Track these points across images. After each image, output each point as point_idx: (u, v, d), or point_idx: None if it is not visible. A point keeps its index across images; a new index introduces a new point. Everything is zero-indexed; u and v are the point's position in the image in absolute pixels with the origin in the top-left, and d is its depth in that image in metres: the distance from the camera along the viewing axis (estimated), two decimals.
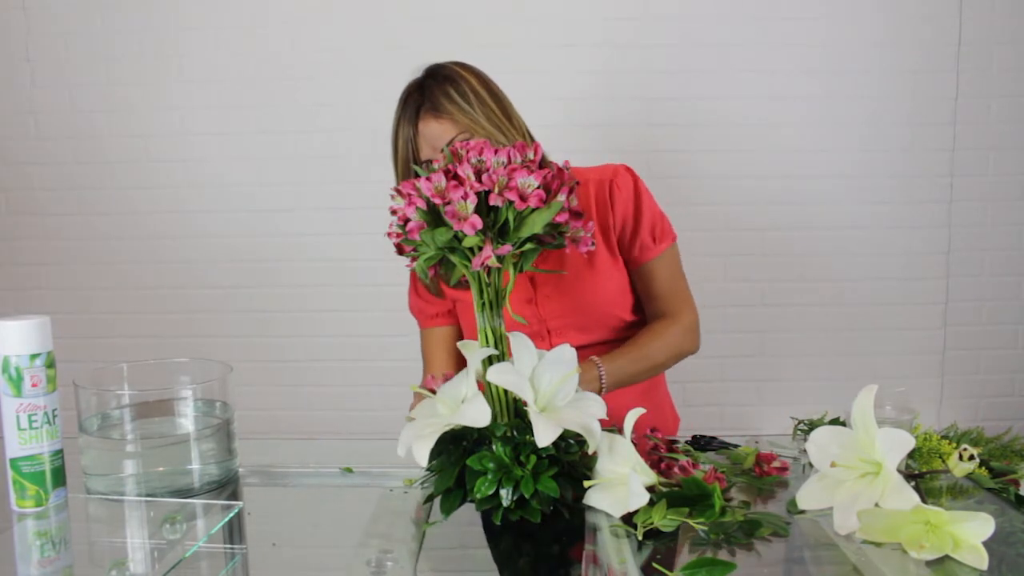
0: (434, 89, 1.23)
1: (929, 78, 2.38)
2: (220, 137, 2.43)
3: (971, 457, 0.95)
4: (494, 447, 0.91)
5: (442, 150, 1.19)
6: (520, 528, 0.90)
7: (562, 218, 0.94)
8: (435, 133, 1.22)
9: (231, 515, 0.92)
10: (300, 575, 0.85)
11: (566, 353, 0.96)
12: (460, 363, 1.45)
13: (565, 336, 1.31)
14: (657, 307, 1.35)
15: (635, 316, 1.36)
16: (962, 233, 2.44)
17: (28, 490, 0.93)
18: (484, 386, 0.95)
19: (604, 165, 1.36)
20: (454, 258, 0.94)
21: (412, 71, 1.30)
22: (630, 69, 2.37)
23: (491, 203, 0.90)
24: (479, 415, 0.89)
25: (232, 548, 0.88)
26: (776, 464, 1.05)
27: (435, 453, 0.93)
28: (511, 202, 0.90)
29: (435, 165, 0.94)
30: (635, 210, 1.32)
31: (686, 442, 1.16)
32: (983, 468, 1.02)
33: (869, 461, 0.86)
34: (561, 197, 0.93)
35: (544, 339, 1.32)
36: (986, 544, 0.77)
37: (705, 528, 0.86)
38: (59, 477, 0.95)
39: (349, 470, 1.10)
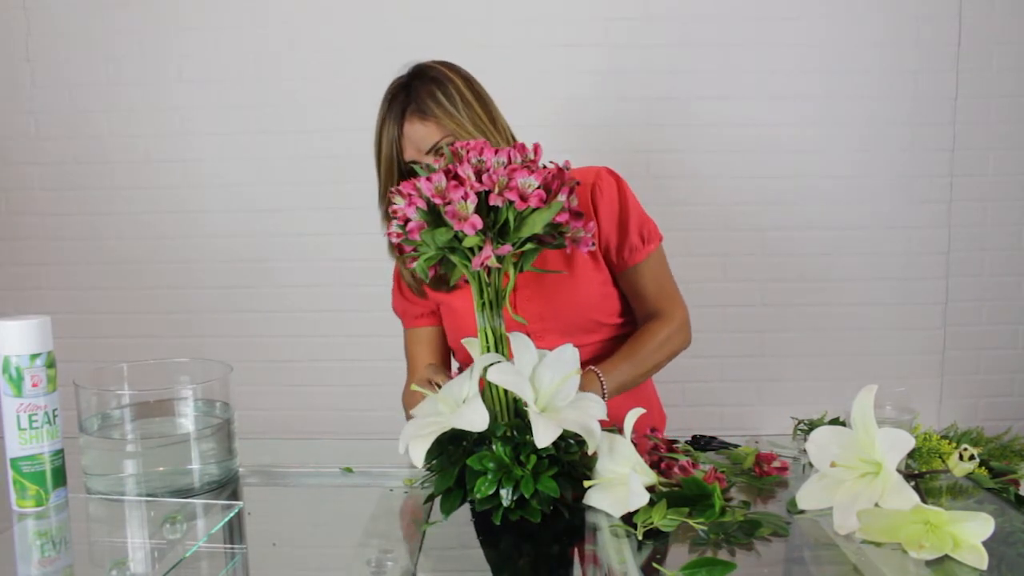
0: (420, 90, 1.23)
1: (929, 78, 2.38)
2: (220, 137, 2.43)
3: (971, 457, 0.95)
4: (494, 447, 0.91)
5: (440, 151, 1.19)
6: (520, 528, 0.90)
7: (562, 218, 0.94)
8: (420, 135, 1.22)
9: (231, 515, 0.92)
10: (300, 575, 0.85)
11: (567, 353, 0.96)
12: (445, 363, 1.44)
13: (545, 339, 1.30)
14: (647, 307, 1.34)
15: (616, 320, 1.35)
16: (962, 233, 2.44)
17: (28, 490, 0.93)
18: (484, 385, 0.95)
19: (585, 168, 1.34)
20: (454, 258, 0.94)
21: (398, 69, 1.29)
22: (630, 69, 2.37)
23: (491, 203, 0.90)
24: (477, 419, 0.89)
25: (232, 548, 0.88)
26: (776, 464, 1.05)
27: (435, 453, 0.93)
28: (511, 202, 0.90)
29: (435, 165, 0.94)
30: (621, 213, 1.31)
31: (686, 442, 1.16)
32: (983, 468, 1.02)
33: (869, 461, 0.86)
34: (561, 197, 0.94)
35: None
36: (986, 544, 0.77)
37: (705, 528, 0.86)
38: (59, 477, 0.95)
39: (349, 470, 1.10)
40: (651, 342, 1.30)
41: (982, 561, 0.76)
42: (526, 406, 0.91)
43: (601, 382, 1.22)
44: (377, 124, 1.27)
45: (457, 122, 1.21)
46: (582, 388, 1.15)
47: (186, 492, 0.98)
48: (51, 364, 0.94)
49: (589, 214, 1.30)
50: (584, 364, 1.29)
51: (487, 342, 0.96)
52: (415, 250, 0.97)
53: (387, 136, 1.24)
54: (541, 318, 1.31)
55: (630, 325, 1.38)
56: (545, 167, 0.94)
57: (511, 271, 0.97)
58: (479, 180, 0.91)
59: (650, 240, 1.32)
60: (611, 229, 1.30)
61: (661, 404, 1.50)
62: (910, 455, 1.02)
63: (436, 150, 1.21)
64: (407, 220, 0.94)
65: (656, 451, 1.07)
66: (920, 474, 0.95)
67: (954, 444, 1.04)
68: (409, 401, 1.35)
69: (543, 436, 0.87)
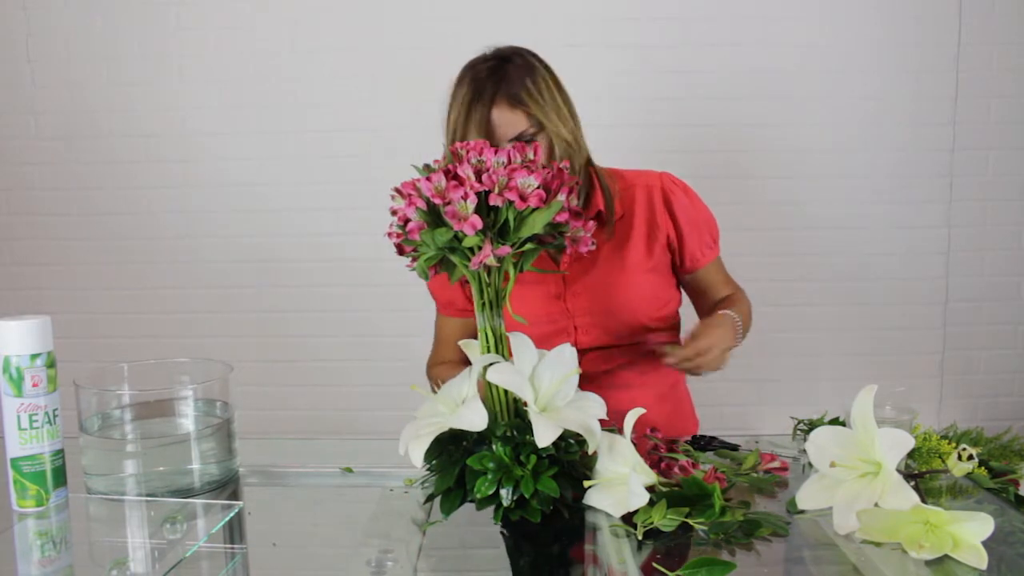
0: (513, 75, 1.19)
1: (929, 78, 2.38)
2: (220, 137, 2.43)
3: (970, 457, 0.95)
4: (494, 447, 0.91)
5: (524, 140, 1.18)
6: (520, 528, 0.90)
7: (562, 218, 0.94)
8: (508, 121, 1.18)
9: (231, 515, 0.92)
10: (300, 575, 0.85)
11: (566, 353, 0.97)
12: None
13: (591, 334, 1.31)
14: (718, 297, 1.40)
15: (660, 324, 1.36)
16: (962, 233, 2.44)
17: (29, 490, 0.93)
18: (484, 386, 0.95)
19: (644, 171, 1.38)
20: (454, 258, 0.94)
21: (477, 50, 1.25)
22: (630, 69, 2.37)
23: (491, 203, 0.90)
24: (476, 419, 0.89)
25: (232, 548, 0.88)
26: (776, 464, 1.05)
27: (435, 453, 0.93)
28: (511, 202, 0.90)
29: (435, 165, 0.94)
30: (697, 215, 1.36)
31: (686, 442, 1.16)
32: (983, 468, 1.02)
33: (869, 461, 0.86)
34: (561, 197, 0.94)
35: (570, 335, 1.32)
36: (986, 544, 0.77)
37: (705, 528, 0.86)
38: (60, 477, 0.95)
39: (349, 470, 1.10)
40: (748, 307, 1.37)
41: (982, 561, 0.77)
42: (526, 406, 0.91)
43: (736, 322, 1.25)
44: (456, 106, 1.20)
45: (544, 113, 1.19)
46: (720, 326, 1.21)
47: (186, 492, 0.98)
48: (51, 364, 0.94)
49: (653, 216, 1.33)
50: (621, 367, 1.33)
51: (487, 342, 0.96)
52: (415, 250, 0.97)
53: (472, 119, 1.18)
54: (589, 313, 1.32)
55: (675, 330, 1.41)
56: (545, 167, 0.95)
57: (511, 271, 0.97)
58: (479, 180, 0.91)
59: (717, 239, 1.38)
60: (691, 231, 1.34)
61: (694, 406, 1.50)
62: (910, 455, 1.02)
63: (518, 138, 1.19)
64: (407, 220, 0.94)
65: (656, 451, 1.07)
66: (920, 474, 0.95)
67: (954, 444, 1.04)
68: (434, 374, 1.41)
69: (543, 436, 0.87)
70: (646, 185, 1.35)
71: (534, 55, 1.26)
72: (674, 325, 1.40)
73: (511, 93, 1.18)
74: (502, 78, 1.19)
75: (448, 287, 1.40)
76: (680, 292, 1.41)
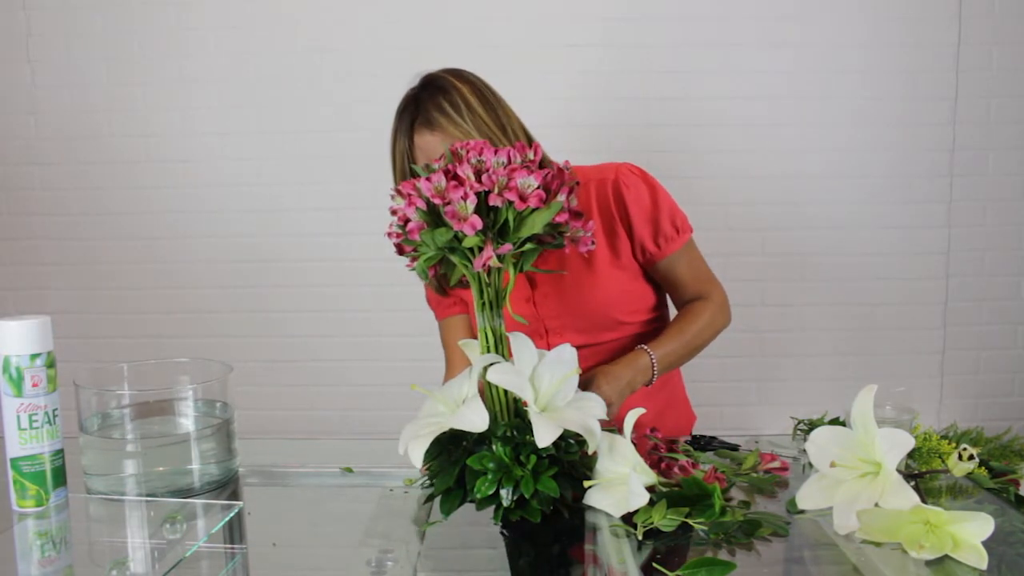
0: (427, 102, 1.24)
1: (928, 78, 2.38)
2: (220, 137, 2.43)
3: (970, 457, 0.95)
4: (494, 447, 0.91)
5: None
6: (520, 528, 0.90)
7: (562, 218, 0.94)
8: (429, 145, 1.23)
9: (231, 515, 0.92)
10: (300, 575, 0.85)
11: (566, 353, 0.97)
12: None
13: (563, 336, 1.31)
14: (686, 293, 1.36)
15: (640, 317, 1.35)
16: (962, 233, 2.44)
17: (29, 490, 0.93)
18: (484, 386, 0.95)
19: (604, 164, 1.35)
20: (454, 258, 0.94)
21: (409, 79, 1.30)
22: (630, 69, 2.37)
23: (491, 203, 0.90)
24: (476, 420, 0.89)
25: (232, 548, 0.88)
26: (776, 464, 1.05)
27: (435, 453, 0.93)
28: (511, 202, 0.90)
29: (435, 165, 0.94)
30: (652, 204, 1.31)
31: (686, 442, 1.17)
32: (983, 468, 1.02)
33: (869, 461, 0.87)
34: (561, 197, 0.94)
35: (542, 338, 1.32)
36: (986, 544, 0.77)
37: (705, 528, 0.86)
38: (59, 477, 0.95)
39: (349, 470, 1.10)
40: (698, 321, 1.32)
41: (982, 561, 0.77)
42: (526, 406, 0.91)
43: (652, 359, 1.23)
44: (391, 136, 1.29)
45: (463, 131, 1.21)
46: (632, 365, 1.20)
47: (186, 492, 0.98)
48: (51, 364, 0.94)
49: (609, 211, 1.30)
50: (604, 362, 1.30)
51: (487, 342, 0.96)
52: (415, 250, 0.97)
53: (399, 148, 1.27)
54: (559, 315, 1.31)
55: (657, 322, 1.38)
56: (545, 167, 0.95)
57: (511, 271, 0.97)
58: (479, 180, 0.91)
59: (684, 229, 1.34)
60: (643, 222, 1.31)
61: (690, 404, 1.50)
62: (910, 455, 1.02)
63: None
64: (407, 220, 0.94)
65: (656, 451, 1.07)
66: (920, 474, 0.95)
67: (954, 444, 1.04)
68: None
69: (543, 436, 0.87)
70: (600, 180, 1.32)
71: (455, 73, 1.27)
72: (658, 317, 1.39)
73: (426, 119, 1.24)
74: (417, 106, 1.25)
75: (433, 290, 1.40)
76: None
